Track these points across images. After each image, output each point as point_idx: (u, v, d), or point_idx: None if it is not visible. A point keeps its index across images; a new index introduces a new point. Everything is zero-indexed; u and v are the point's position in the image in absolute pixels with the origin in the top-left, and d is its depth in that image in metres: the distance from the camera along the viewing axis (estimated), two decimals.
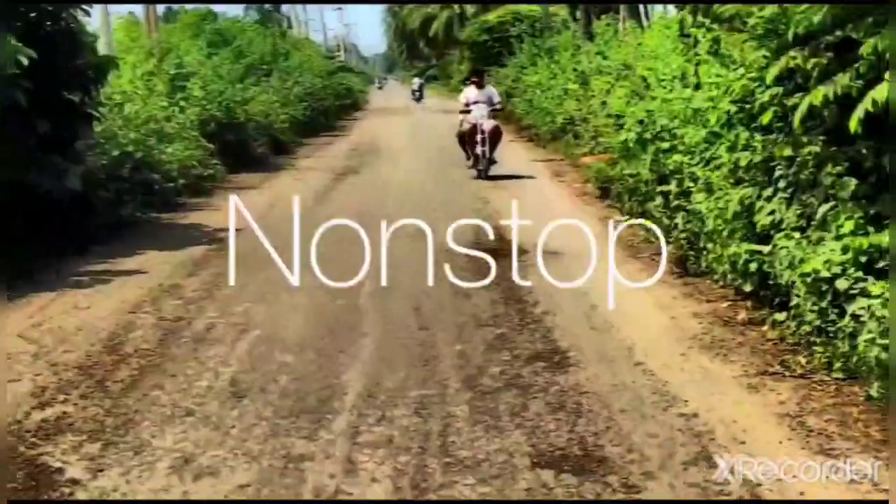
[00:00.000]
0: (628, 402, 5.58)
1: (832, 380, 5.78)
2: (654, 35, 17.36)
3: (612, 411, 5.45)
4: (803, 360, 6.12)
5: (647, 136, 10.37)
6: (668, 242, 9.40)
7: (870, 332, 5.17)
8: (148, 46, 19.95)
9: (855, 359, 5.39)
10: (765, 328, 6.89)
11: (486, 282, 8.51)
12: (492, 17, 46.45)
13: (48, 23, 10.61)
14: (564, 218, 12.18)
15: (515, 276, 8.61)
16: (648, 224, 9.81)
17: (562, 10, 36.37)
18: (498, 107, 17.92)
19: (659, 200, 10.20)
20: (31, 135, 10.28)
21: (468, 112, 17.44)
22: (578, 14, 29.84)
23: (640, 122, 11.19)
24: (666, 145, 10.05)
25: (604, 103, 15.86)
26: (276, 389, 5.86)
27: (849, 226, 6.19)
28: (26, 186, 10.12)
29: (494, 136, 17.18)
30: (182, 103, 16.22)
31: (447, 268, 8.98)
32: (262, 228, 11.52)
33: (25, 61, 9.64)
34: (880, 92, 5.94)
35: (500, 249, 10.14)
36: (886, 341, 4.93)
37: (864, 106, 6.01)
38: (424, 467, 4.71)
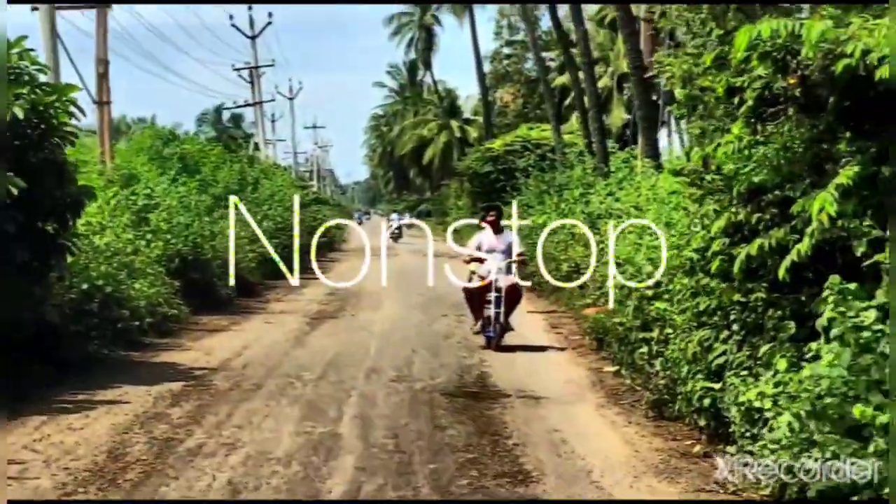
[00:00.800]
0: None
1: (759, 496, 8.41)
2: (668, 176, 20.37)
3: None
4: (737, 481, 8.77)
5: (632, 283, 13.20)
6: (647, 388, 12.15)
7: (772, 439, 7.82)
8: (106, 172, 22.95)
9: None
10: (717, 460, 9.54)
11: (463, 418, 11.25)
12: (497, 144, 49.67)
13: (31, 152, 13.44)
14: (553, 368, 14.99)
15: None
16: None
17: (579, 140, 39.56)
18: (519, 258, 17.39)
19: (644, 348, 12.95)
20: (12, 265, 13.01)
21: (480, 261, 17.25)
22: (595, 146, 32.96)
23: (639, 269, 14.09)
24: (650, 293, 12.86)
25: (602, 250, 18.74)
26: (268, 489, 8.51)
27: (783, 364, 8.89)
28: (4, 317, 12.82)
29: (512, 297, 16.92)
30: (149, 236, 19.12)
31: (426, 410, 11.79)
32: (230, 370, 14.36)
33: (15, 191, 12.47)
34: (805, 245, 8.76)
35: (479, 393, 12.87)
36: (777, 446, 7.58)
37: (791, 257, 8.83)
38: None
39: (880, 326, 7.31)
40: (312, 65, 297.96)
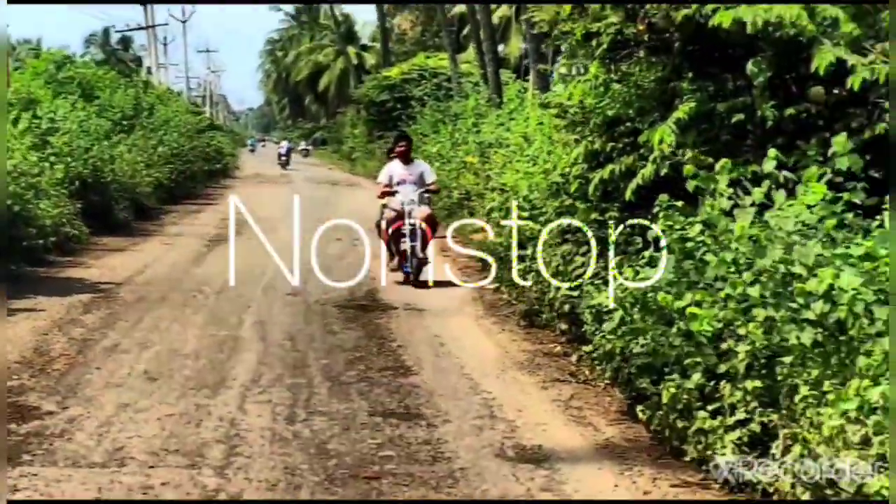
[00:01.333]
0: (447, 390, 9.98)
1: (603, 383, 10.21)
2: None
3: (433, 395, 9.84)
4: (587, 372, 10.60)
5: (509, 206, 14.97)
6: (520, 301, 13.94)
7: (608, 329, 9.59)
8: (4, 95, 24.14)
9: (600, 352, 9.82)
10: (573, 357, 11.37)
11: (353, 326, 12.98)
12: (394, 72, 51.06)
13: None
14: (438, 286, 16.68)
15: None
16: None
17: (476, 70, 41.12)
18: (433, 188, 17.80)
19: (520, 265, 14.73)
20: None
21: (392, 194, 17.34)
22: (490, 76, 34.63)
23: (503, 191, 15.87)
24: (525, 214, 14.61)
25: (488, 177, 20.48)
26: (181, 377, 10.15)
27: (629, 272, 10.68)
28: None
29: (430, 227, 17.17)
30: (52, 158, 20.48)
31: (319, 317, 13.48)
32: (135, 285, 15.86)
33: None
34: (648, 170, 10.54)
35: (368, 306, 14.59)
36: (614, 336, 9.36)
37: (637, 180, 10.63)
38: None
39: (701, 238, 9.06)
40: None
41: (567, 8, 11.34)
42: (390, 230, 17.02)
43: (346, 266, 18.70)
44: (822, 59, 9.89)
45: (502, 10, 55.94)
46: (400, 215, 16.93)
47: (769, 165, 8.72)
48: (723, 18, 10.07)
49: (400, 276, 16.81)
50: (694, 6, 10.34)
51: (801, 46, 10.32)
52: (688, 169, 9.10)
